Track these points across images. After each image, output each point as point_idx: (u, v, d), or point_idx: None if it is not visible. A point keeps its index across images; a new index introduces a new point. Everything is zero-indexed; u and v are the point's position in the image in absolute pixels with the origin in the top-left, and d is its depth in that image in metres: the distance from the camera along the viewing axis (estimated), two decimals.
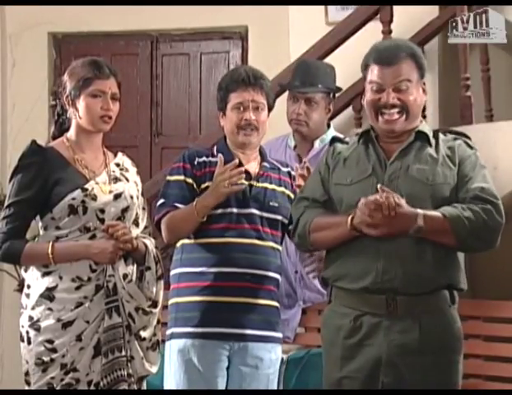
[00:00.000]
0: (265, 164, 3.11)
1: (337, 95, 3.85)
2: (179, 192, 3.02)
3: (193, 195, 3.00)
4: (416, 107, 2.69)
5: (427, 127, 2.76)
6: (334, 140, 2.87)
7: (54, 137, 3.02)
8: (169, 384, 3.04)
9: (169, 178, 3.08)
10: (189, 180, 3.03)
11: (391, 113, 2.66)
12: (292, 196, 3.10)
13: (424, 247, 2.58)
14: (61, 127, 2.99)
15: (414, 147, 2.69)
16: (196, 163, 3.04)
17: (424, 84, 2.72)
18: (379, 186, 2.55)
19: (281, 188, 3.10)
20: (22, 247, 2.81)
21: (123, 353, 2.79)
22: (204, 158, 3.06)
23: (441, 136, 2.73)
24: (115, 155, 3.02)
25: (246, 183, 3.02)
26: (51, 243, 2.80)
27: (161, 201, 3.04)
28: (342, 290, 2.68)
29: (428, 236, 2.56)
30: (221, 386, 2.98)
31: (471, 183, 2.61)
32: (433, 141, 2.70)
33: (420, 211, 2.53)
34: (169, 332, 3.03)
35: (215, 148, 3.11)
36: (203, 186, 3.01)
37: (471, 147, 2.72)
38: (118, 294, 2.80)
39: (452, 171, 2.65)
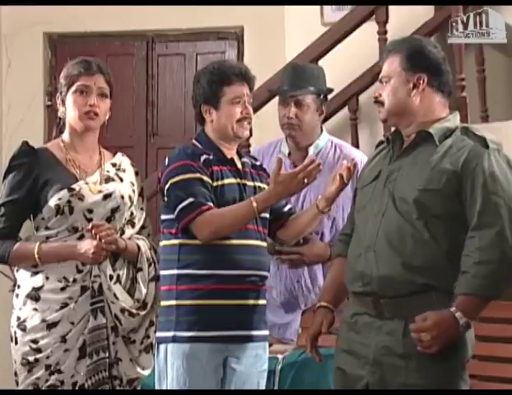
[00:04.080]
0: (246, 160, 3.07)
1: (332, 95, 3.84)
2: (205, 190, 2.87)
3: (212, 193, 2.89)
4: (394, 100, 2.66)
5: (447, 123, 2.64)
6: (379, 144, 2.87)
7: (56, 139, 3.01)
8: (167, 388, 2.97)
9: (182, 177, 2.89)
10: (205, 178, 2.89)
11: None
12: None
13: (402, 249, 2.55)
14: (61, 130, 2.98)
15: (418, 147, 2.64)
16: (202, 161, 2.94)
17: (419, 78, 2.64)
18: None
19: (264, 185, 3.04)
20: (11, 247, 2.81)
21: (107, 354, 2.79)
22: (205, 156, 2.96)
23: (458, 134, 2.62)
24: (114, 156, 3.01)
25: (240, 182, 2.97)
26: (38, 244, 2.80)
27: (190, 200, 2.85)
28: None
29: (476, 316, 2.51)
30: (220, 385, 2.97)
31: (473, 208, 2.51)
32: (448, 141, 2.60)
33: (452, 309, 2.47)
34: (168, 334, 2.91)
35: (198, 144, 3.03)
36: (214, 184, 2.92)
37: (486, 147, 2.55)
38: (104, 295, 2.80)
39: (449, 176, 2.55)
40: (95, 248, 2.76)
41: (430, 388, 2.52)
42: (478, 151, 2.56)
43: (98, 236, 2.76)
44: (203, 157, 2.95)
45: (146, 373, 2.90)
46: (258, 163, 3.15)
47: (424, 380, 2.52)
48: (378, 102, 2.72)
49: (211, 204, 2.87)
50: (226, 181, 2.95)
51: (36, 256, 2.79)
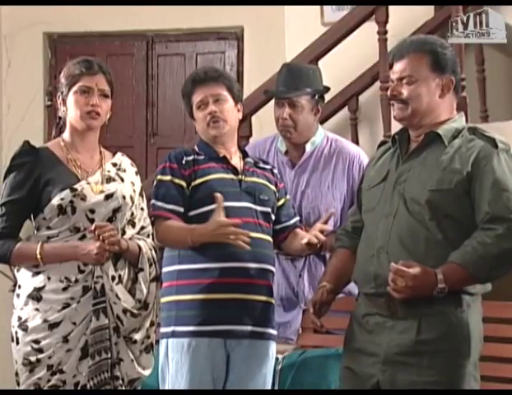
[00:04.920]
0: (249, 160, 3.14)
1: (332, 95, 3.84)
2: (167, 192, 3.01)
3: (183, 194, 3.01)
4: (424, 101, 2.64)
5: (455, 124, 2.66)
6: (381, 144, 2.88)
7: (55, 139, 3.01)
8: (168, 383, 3.01)
9: (157, 177, 3.08)
10: (177, 180, 3.02)
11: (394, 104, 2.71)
12: (276, 193, 3.13)
13: (415, 250, 2.56)
14: (61, 129, 2.98)
15: (427, 148, 2.65)
16: (184, 162, 3.05)
17: (449, 80, 2.64)
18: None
19: (267, 183, 3.12)
20: (12, 247, 2.80)
21: (109, 355, 2.79)
22: (193, 156, 3.07)
23: (467, 135, 2.63)
24: (114, 155, 3.01)
25: (235, 178, 3.05)
26: (40, 244, 2.79)
27: (152, 201, 3.05)
28: None
29: (454, 288, 2.53)
30: (221, 383, 2.97)
31: (482, 205, 2.52)
32: (456, 141, 2.61)
33: (437, 271, 2.50)
34: (168, 330, 2.98)
35: (196, 147, 3.14)
36: (193, 184, 3.01)
37: (495, 147, 2.57)
38: (106, 295, 2.80)
39: (459, 176, 2.56)
40: (97, 249, 2.76)
41: (442, 386, 2.53)
42: (488, 150, 2.57)
43: (101, 237, 2.77)
44: (190, 158, 3.07)
45: (146, 373, 2.90)
46: (268, 166, 3.21)
47: (436, 377, 2.53)
48: (396, 99, 2.69)
49: (168, 212, 2.98)
50: (214, 176, 3.03)
51: (38, 256, 2.78)
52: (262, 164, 3.19)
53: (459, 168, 2.57)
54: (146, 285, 2.87)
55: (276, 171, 3.24)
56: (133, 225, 2.95)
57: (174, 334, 2.97)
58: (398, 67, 2.69)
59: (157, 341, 3.00)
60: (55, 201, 2.80)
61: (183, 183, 3.02)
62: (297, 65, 3.86)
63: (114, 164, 2.98)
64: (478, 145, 2.59)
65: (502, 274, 2.56)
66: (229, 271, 2.94)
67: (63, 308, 2.78)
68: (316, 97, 3.57)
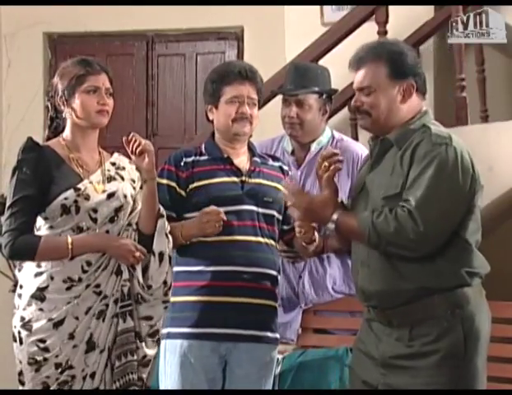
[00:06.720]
0: (256, 159, 3.10)
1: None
2: (161, 196, 2.98)
3: (176, 197, 3.00)
4: (384, 110, 2.61)
5: (413, 126, 2.61)
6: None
7: (49, 140, 3.00)
8: (165, 385, 3.02)
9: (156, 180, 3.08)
10: (172, 183, 3.02)
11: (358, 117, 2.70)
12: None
13: (392, 260, 2.55)
14: (55, 130, 2.98)
15: (385, 155, 2.64)
16: (182, 164, 3.03)
17: (409, 85, 2.62)
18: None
19: (274, 183, 3.08)
20: (38, 240, 2.77)
21: (135, 357, 2.80)
22: (193, 157, 3.05)
23: (419, 134, 2.59)
24: (111, 155, 3.01)
25: (238, 180, 3.02)
26: (68, 235, 2.78)
27: None
28: None
29: (344, 235, 2.64)
30: (218, 387, 2.98)
31: (408, 191, 2.53)
32: (408, 142, 2.57)
33: (336, 214, 2.60)
34: (164, 331, 3.00)
35: (203, 146, 3.11)
36: (191, 186, 3.00)
37: (431, 142, 2.55)
38: (133, 298, 2.81)
39: (403, 177, 2.55)
40: (132, 247, 2.77)
41: (438, 387, 2.53)
42: (424, 146, 2.54)
43: (138, 150, 2.77)
44: (190, 159, 3.04)
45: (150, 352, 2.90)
46: (276, 164, 3.17)
47: (429, 379, 2.54)
48: (359, 111, 2.67)
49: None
50: (214, 180, 3.00)
51: (69, 246, 2.75)
52: (271, 162, 3.15)
53: (401, 171, 2.56)
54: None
55: (286, 168, 3.20)
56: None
57: (169, 335, 3.00)
58: (358, 77, 2.68)
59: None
60: (59, 200, 2.79)
61: (178, 187, 3.01)
62: (305, 64, 3.88)
63: (113, 164, 2.98)
64: (417, 142, 2.56)
65: (393, 253, 2.53)
66: (222, 275, 2.94)
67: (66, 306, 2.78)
68: (324, 97, 3.56)
